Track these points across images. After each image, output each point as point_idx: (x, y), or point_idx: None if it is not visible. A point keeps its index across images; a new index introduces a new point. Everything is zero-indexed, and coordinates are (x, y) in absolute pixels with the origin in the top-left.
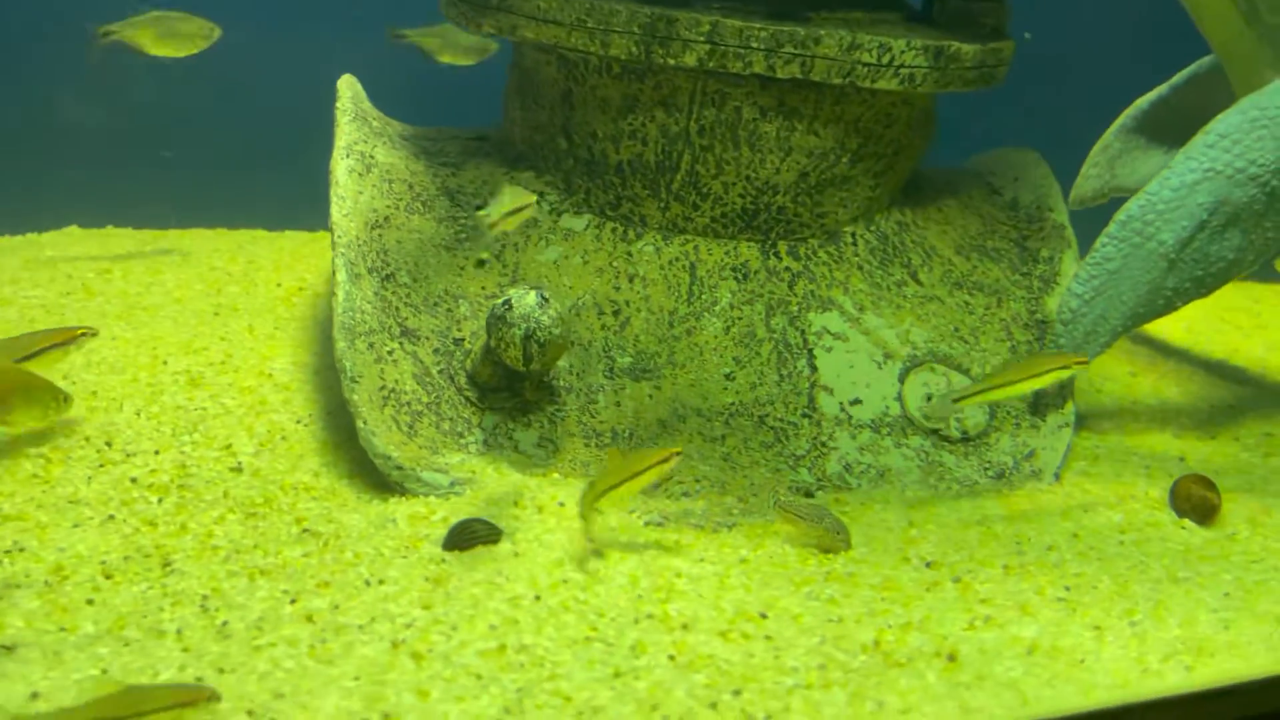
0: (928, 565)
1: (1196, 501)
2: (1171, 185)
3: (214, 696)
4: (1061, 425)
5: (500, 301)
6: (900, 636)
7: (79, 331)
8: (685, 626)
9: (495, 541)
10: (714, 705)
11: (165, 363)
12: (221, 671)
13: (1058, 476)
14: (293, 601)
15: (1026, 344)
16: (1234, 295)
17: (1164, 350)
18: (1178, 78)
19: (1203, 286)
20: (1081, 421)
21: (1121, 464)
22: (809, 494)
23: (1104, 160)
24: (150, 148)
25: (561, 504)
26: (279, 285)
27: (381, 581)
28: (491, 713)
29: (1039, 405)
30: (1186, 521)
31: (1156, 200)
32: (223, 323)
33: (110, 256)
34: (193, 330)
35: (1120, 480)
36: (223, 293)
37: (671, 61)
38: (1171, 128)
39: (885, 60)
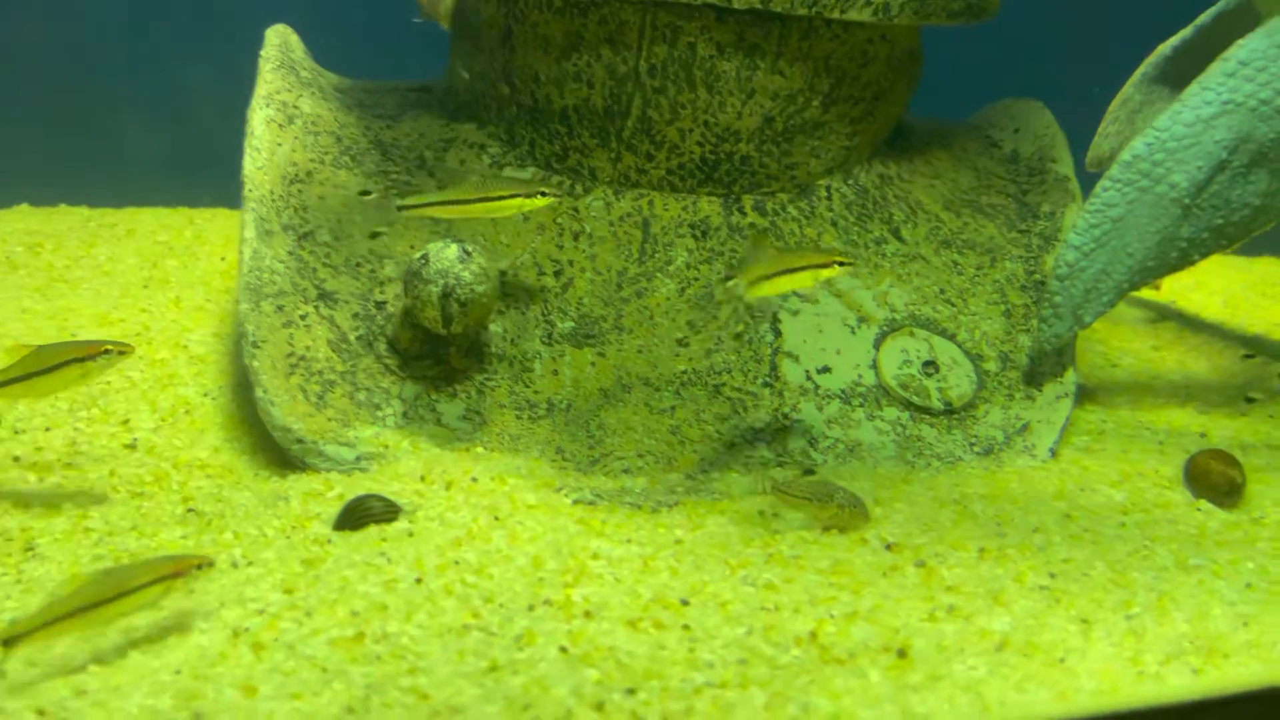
0: (888, 547)
1: (1216, 479)
2: (1184, 120)
3: (206, 563)
4: (1060, 396)
5: (418, 255)
6: (843, 628)
7: (103, 348)
8: (588, 614)
9: (391, 520)
10: (600, 706)
11: (74, 335)
12: (33, 665)
13: (1053, 452)
14: None
15: (1023, 307)
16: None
17: (1195, 325)
18: (1203, 17)
19: (1223, 237)
20: (1090, 395)
21: (1130, 440)
22: (809, 471)
23: (1124, 115)
24: (118, 128)
25: (475, 479)
26: (223, 259)
27: (250, 564)
28: (331, 711)
29: (1034, 374)
30: (1203, 502)
31: (1167, 137)
32: (149, 295)
33: (50, 232)
34: (113, 303)
35: (1127, 457)
36: (158, 266)
37: None
38: (1198, 74)
39: None
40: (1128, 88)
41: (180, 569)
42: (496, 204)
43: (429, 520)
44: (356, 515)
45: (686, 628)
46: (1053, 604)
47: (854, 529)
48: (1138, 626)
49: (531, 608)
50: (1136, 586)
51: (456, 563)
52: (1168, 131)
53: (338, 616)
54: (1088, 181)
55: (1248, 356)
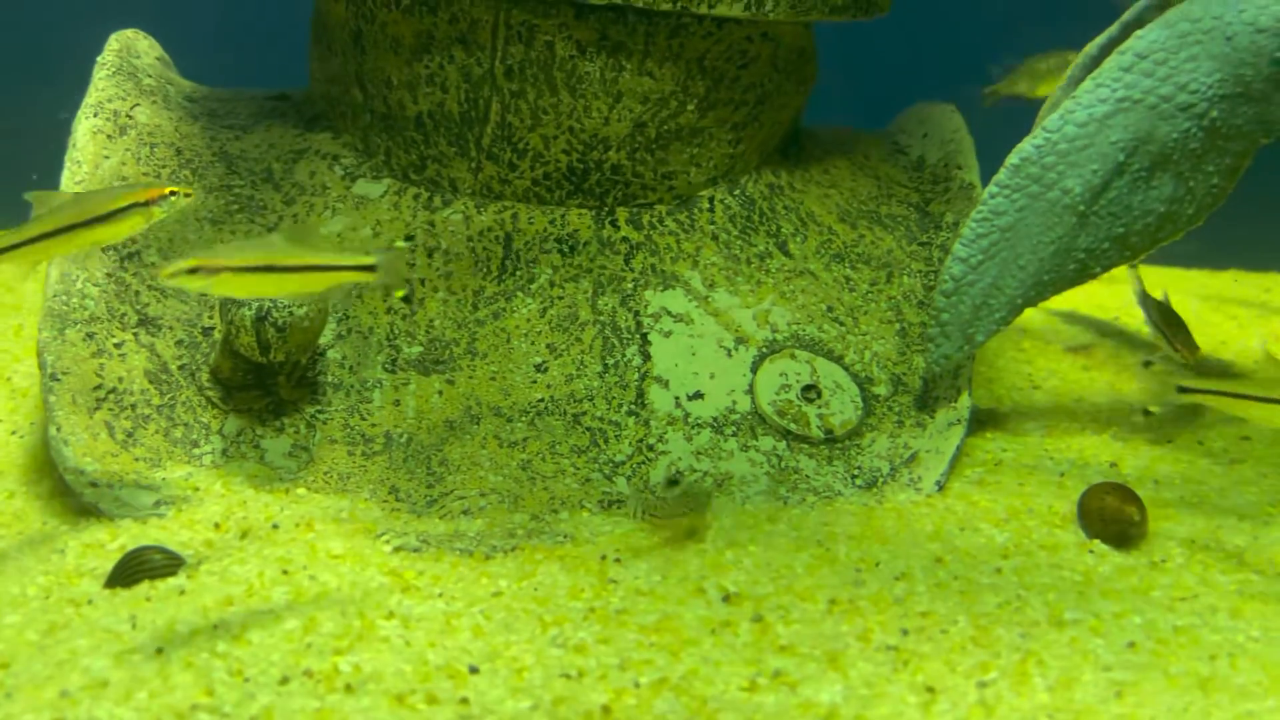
0: (725, 599)
1: (1110, 516)
2: (1077, 120)
3: (180, 194)
4: (952, 423)
5: None
6: (645, 700)
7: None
8: (349, 688)
9: (170, 574)
10: None
11: None
12: None
13: (940, 486)
14: None
15: (920, 325)
16: (1242, 284)
17: (1134, 343)
18: (1128, 14)
19: (1126, 247)
20: (999, 420)
21: (1029, 471)
22: (673, 481)
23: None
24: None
25: (276, 526)
26: None
27: None
28: None
29: (927, 399)
30: (1096, 543)
31: (1058, 138)
32: None
33: None
34: None
35: (1021, 491)
36: (13, 291)
37: None
38: None
39: None
40: (1055, 90)
41: (151, 197)
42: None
43: (210, 575)
44: (130, 570)
45: (464, 701)
46: (898, 668)
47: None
48: (990, 696)
49: (285, 680)
50: (1000, 646)
51: (215, 627)
52: (1059, 132)
53: (43, 698)
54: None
55: (1147, 364)
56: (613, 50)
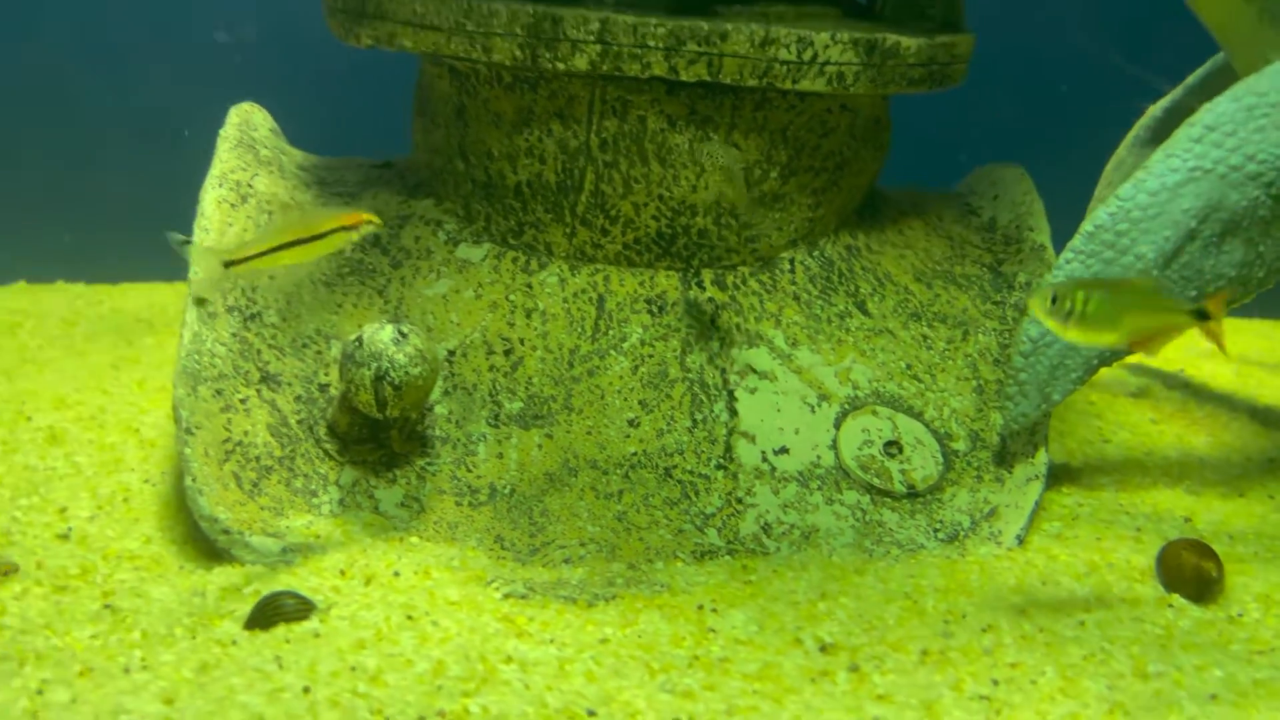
0: (822, 649)
1: (1189, 572)
2: (1149, 188)
3: (376, 223)
4: (1030, 479)
5: (351, 338)
6: None
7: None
8: None
9: (303, 618)
10: None
11: (30, 419)
12: None
13: (1020, 540)
14: (39, 693)
15: (996, 383)
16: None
17: (1201, 395)
18: (1192, 78)
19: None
20: (1073, 475)
21: (1106, 526)
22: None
23: (1118, 179)
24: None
25: (397, 573)
26: None
27: (145, 667)
28: None
29: (1005, 455)
30: (1175, 597)
31: (1130, 206)
32: (115, 376)
33: (34, 311)
34: (78, 383)
35: (1099, 545)
36: (134, 345)
37: (561, 66)
38: None
39: (807, 57)
40: (1121, 150)
41: (353, 223)
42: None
43: (340, 619)
44: (268, 613)
45: None
46: (991, 716)
47: None
48: None
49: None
50: (1088, 696)
51: (353, 669)
52: (1131, 200)
53: None
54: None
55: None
56: (701, 123)
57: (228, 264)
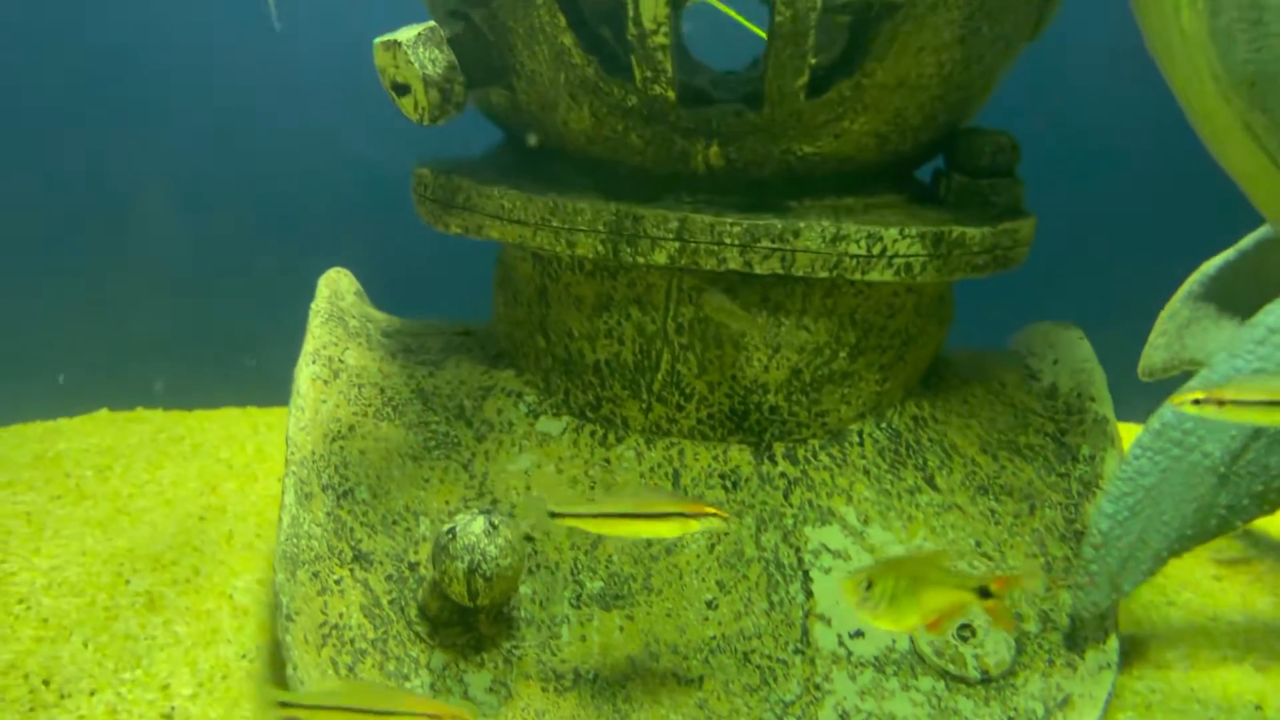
0: None
1: None
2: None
3: (721, 517)
4: (1102, 667)
5: (444, 529)
6: None
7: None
8: None
9: None
10: None
11: (128, 582)
12: None
13: None
14: None
15: (1064, 560)
16: None
17: (1263, 546)
18: (1245, 242)
19: (1265, 503)
20: (1142, 650)
21: (1179, 715)
22: None
23: (1172, 329)
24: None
25: None
26: (279, 479)
27: None
28: None
29: (1075, 639)
30: None
31: None
32: (203, 530)
33: (121, 449)
34: (169, 540)
35: None
36: (216, 491)
37: (641, 260)
38: (1242, 294)
39: (876, 251)
40: (1174, 302)
41: (695, 511)
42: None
43: None
44: None
45: None
46: None
47: None
48: None
49: None
50: None
51: None
52: None
53: None
54: (1137, 391)
55: None
56: (773, 309)
57: None
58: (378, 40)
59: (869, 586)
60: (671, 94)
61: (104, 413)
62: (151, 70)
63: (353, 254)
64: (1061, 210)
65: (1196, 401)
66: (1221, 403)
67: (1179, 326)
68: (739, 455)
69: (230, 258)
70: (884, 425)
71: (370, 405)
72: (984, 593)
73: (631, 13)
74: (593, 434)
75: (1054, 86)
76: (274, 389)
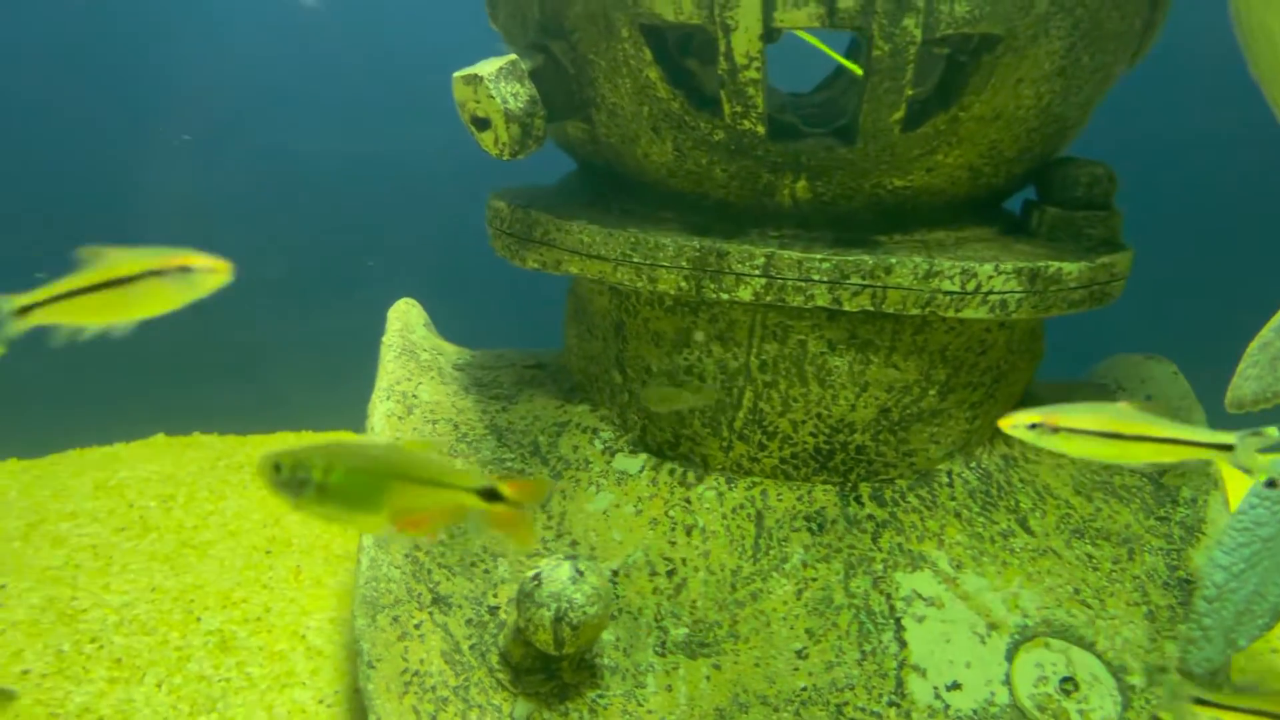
0: None
1: None
2: None
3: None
4: None
5: (529, 575)
6: None
7: None
8: None
9: None
10: None
11: (199, 620)
12: None
13: None
14: None
15: (1168, 609)
16: None
17: None
18: None
19: None
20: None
21: None
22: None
23: (1264, 359)
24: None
25: None
26: None
27: None
28: None
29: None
30: None
31: None
32: (270, 564)
33: (182, 478)
34: (237, 575)
35: None
36: (280, 523)
37: (725, 296)
38: None
39: (970, 288)
40: (1267, 331)
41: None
42: None
43: None
44: None
45: None
46: None
47: None
48: None
49: None
50: None
51: None
52: None
53: None
54: (1224, 425)
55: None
56: (861, 347)
57: None
58: (457, 74)
59: (278, 469)
60: (762, 129)
61: (160, 437)
62: (219, 97)
63: (412, 280)
64: (1144, 237)
65: (1033, 426)
66: (1056, 429)
67: (1271, 357)
68: (824, 495)
69: (279, 280)
70: (973, 465)
71: (444, 440)
72: (490, 494)
73: (723, 47)
74: (671, 472)
75: (1150, 110)
76: (325, 413)
